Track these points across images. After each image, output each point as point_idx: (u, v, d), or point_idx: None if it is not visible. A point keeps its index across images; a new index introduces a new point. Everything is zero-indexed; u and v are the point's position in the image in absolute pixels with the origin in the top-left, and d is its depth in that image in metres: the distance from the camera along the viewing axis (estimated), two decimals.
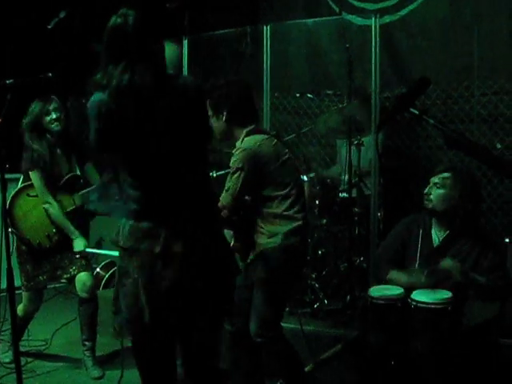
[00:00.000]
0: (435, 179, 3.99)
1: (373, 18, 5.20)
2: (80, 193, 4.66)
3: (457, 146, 2.68)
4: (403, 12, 6.46)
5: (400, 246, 4.06)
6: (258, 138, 3.60)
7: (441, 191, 3.93)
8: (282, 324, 4.96)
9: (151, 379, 2.86)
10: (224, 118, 3.63)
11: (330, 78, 6.38)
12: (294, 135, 5.83)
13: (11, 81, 3.77)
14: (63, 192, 4.67)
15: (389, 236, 4.22)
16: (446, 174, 3.97)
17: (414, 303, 3.60)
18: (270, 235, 3.61)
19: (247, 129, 3.64)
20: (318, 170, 5.77)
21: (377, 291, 3.79)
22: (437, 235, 3.98)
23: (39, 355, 5.04)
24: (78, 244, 4.64)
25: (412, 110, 2.66)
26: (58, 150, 4.68)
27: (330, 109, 5.85)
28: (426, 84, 2.71)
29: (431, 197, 3.96)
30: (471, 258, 3.84)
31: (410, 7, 6.45)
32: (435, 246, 3.96)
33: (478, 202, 4.19)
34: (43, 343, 5.22)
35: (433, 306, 3.55)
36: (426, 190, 4.00)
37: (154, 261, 2.64)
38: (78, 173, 4.77)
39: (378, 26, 5.16)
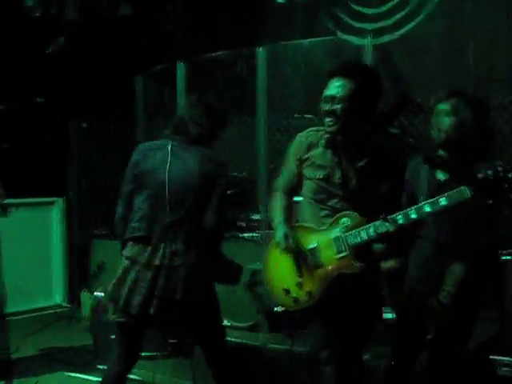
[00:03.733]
0: (442, 106, 3.57)
1: (366, 38, 5.19)
2: None
3: (435, 165, 2.67)
4: (401, 31, 6.46)
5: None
6: None
7: (451, 118, 3.50)
8: (278, 346, 4.97)
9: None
10: None
11: None
12: None
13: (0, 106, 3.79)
14: None
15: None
16: (453, 100, 3.55)
17: None
18: None
19: None
20: None
21: None
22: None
23: None
24: None
25: (392, 129, 2.65)
26: None
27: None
28: (405, 102, 2.71)
29: (442, 126, 3.51)
30: None
31: (408, 26, 6.45)
32: (442, 181, 3.52)
33: (489, 130, 3.76)
34: None
35: None
36: (432, 120, 3.60)
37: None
38: None
39: (370, 46, 5.14)
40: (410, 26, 6.44)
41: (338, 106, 3.22)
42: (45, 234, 7.52)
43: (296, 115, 6.30)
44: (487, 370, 3.69)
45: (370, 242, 3.26)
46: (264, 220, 5.49)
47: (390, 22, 6.54)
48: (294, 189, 3.63)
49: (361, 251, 3.29)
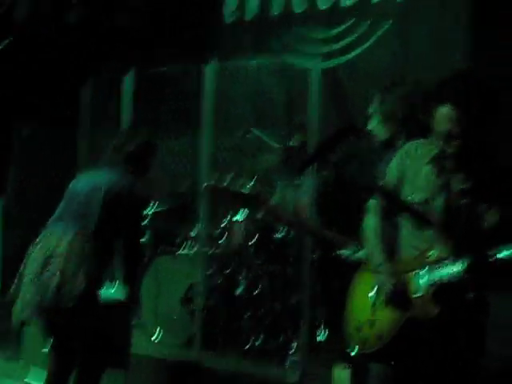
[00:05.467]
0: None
1: (314, 62, 5.24)
2: None
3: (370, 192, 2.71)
4: (349, 56, 6.54)
5: None
6: None
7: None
8: (212, 365, 4.96)
9: None
10: None
11: (274, 118, 6.40)
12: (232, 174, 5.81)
13: None
14: None
15: None
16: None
17: None
18: None
19: None
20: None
21: None
22: None
23: None
24: None
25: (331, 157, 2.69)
26: None
27: (271, 149, 5.87)
28: (347, 132, 2.74)
29: None
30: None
31: (356, 51, 6.52)
32: None
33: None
34: None
35: None
36: None
37: None
38: None
39: (318, 70, 5.20)
40: (358, 51, 6.52)
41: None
42: None
43: (238, 134, 6.31)
44: None
45: (457, 284, 2.67)
46: (201, 236, 5.50)
47: (337, 46, 6.61)
48: (391, 209, 3.04)
49: (445, 293, 2.70)
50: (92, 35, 6.58)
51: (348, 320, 3.13)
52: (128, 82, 5.98)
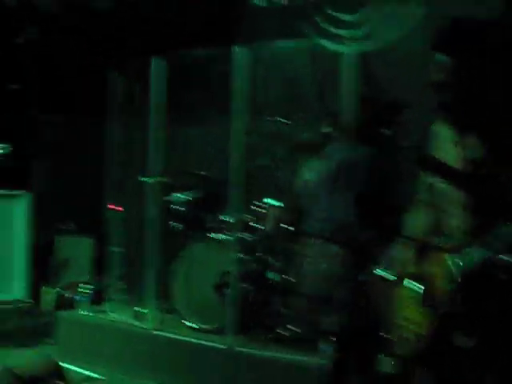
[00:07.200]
0: None
1: (346, 46, 5.18)
2: None
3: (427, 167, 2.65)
4: (380, 41, 6.46)
5: None
6: None
7: None
8: (242, 349, 4.92)
9: None
10: None
11: (305, 102, 6.34)
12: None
13: None
14: None
15: None
16: None
17: None
18: None
19: None
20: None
21: None
22: None
23: None
24: None
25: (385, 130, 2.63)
26: None
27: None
28: (398, 108, 2.68)
29: None
30: None
31: (389, 36, 6.45)
32: None
33: None
34: None
35: None
36: None
37: None
38: None
39: (353, 54, 5.13)
40: (390, 36, 6.44)
41: None
42: (7, 227, 7.34)
43: (268, 118, 6.25)
44: None
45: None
46: (234, 222, 5.45)
47: (368, 30, 6.54)
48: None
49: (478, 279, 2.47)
50: (119, 21, 6.57)
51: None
52: (156, 67, 5.90)
